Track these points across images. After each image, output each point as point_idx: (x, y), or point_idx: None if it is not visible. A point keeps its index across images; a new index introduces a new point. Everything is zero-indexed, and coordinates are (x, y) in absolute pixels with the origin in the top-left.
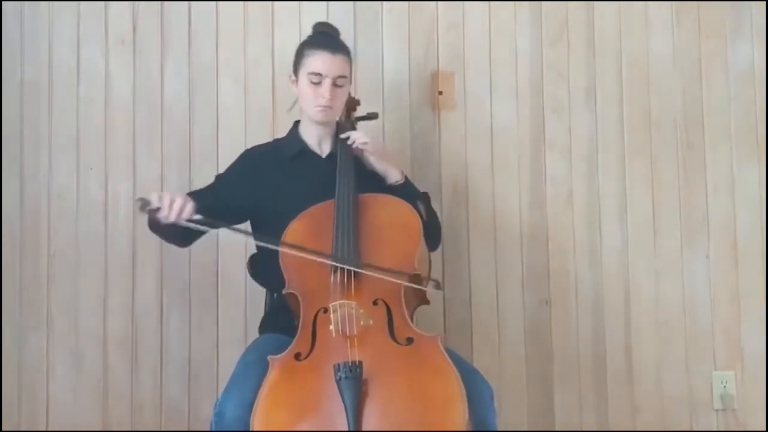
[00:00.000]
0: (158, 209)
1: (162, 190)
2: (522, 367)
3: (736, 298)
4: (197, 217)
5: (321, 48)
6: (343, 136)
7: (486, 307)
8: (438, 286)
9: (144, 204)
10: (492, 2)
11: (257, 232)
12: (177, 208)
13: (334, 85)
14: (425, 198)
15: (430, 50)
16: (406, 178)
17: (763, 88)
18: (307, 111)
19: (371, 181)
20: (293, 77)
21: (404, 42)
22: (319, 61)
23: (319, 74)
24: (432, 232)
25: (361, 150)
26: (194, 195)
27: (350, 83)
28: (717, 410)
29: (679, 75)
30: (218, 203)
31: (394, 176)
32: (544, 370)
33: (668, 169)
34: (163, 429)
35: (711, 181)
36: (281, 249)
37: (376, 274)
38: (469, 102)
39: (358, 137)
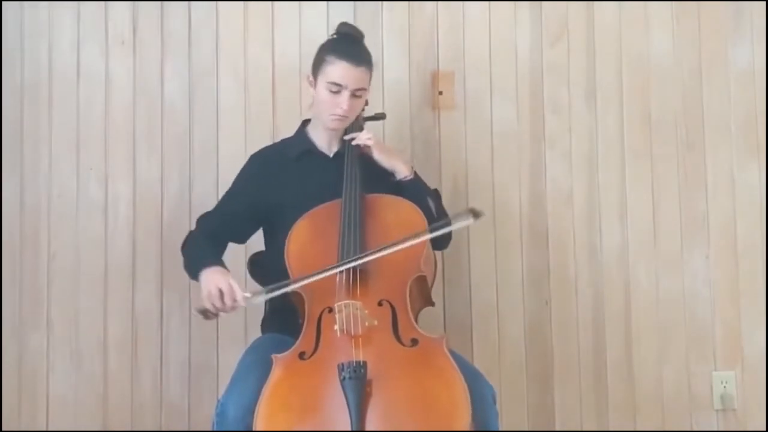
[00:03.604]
0: (217, 313)
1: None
2: (522, 367)
3: (736, 298)
4: (248, 295)
5: (343, 58)
6: (347, 137)
7: (486, 307)
8: (476, 214)
9: (204, 314)
10: (492, 2)
11: (266, 233)
12: (230, 303)
13: (353, 96)
14: (436, 195)
15: (430, 50)
16: (415, 173)
17: (763, 88)
18: (322, 117)
19: (378, 181)
20: (311, 78)
21: (404, 42)
22: (340, 71)
23: (339, 85)
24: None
25: (369, 147)
26: (209, 215)
27: (368, 92)
28: (717, 410)
29: (679, 75)
30: (233, 215)
31: (402, 171)
32: (544, 370)
33: (668, 169)
34: (163, 429)
35: (711, 181)
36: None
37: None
38: (469, 102)
39: (361, 136)
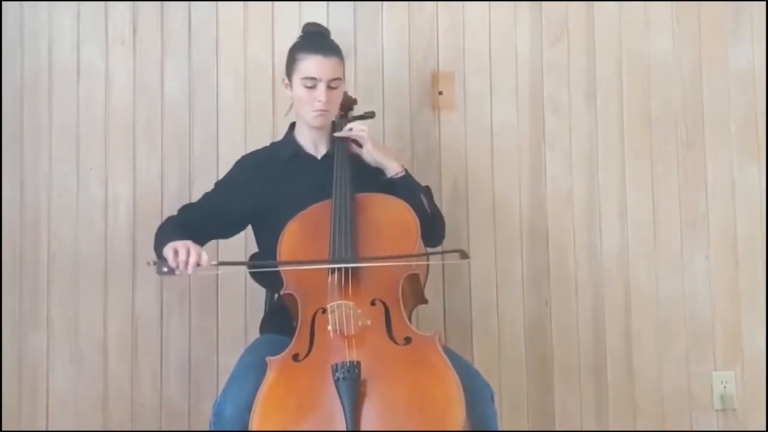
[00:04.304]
0: (174, 269)
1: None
2: (522, 367)
3: (736, 298)
4: (213, 263)
5: (313, 52)
6: (338, 134)
7: (486, 307)
8: (464, 255)
9: (159, 266)
10: (492, 2)
11: (257, 236)
12: (192, 264)
13: (329, 87)
14: (427, 192)
15: (430, 50)
16: (406, 171)
17: (763, 88)
18: (304, 116)
19: (368, 180)
20: (286, 81)
21: (404, 42)
22: (312, 65)
23: (314, 78)
24: (435, 226)
25: (360, 142)
26: (193, 206)
27: (344, 84)
28: (717, 410)
29: (679, 75)
30: (217, 211)
31: (393, 168)
32: (544, 370)
33: (668, 169)
34: (163, 429)
35: (711, 181)
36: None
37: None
38: (469, 102)
39: (355, 126)
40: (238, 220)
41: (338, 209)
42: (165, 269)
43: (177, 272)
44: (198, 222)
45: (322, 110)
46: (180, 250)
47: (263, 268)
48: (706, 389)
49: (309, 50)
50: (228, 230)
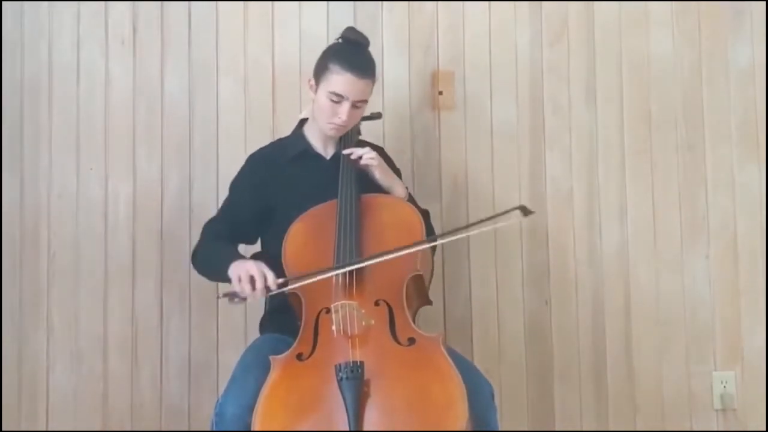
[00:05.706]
0: (245, 299)
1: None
2: (522, 367)
3: (736, 297)
4: (280, 281)
5: (348, 69)
6: (346, 152)
7: (486, 307)
8: (525, 211)
9: (231, 297)
10: (492, 2)
11: (262, 235)
12: (260, 289)
13: (353, 107)
14: (425, 215)
15: (430, 50)
16: (409, 194)
17: (763, 88)
18: (320, 124)
19: (374, 181)
20: (312, 82)
21: (404, 42)
22: (342, 82)
23: (341, 96)
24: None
25: (366, 166)
26: (215, 220)
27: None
28: (717, 410)
29: (679, 75)
30: (238, 215)
31: (399, 192)
32: (544, 369)
33: (668, 169)
34: (163, 429)
35: (711, 181)
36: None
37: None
38: (469, 102)
39: (364, 153)
40: (257, 221)
41: (344, 210)
42: (237, 300)
43: (249, 299)
44: (225, 234)
45: (340, 126)
46: (242, 277)
47: (315, 278)
48: (706, 389)
49: (344, 65)
50: (253, 234)
